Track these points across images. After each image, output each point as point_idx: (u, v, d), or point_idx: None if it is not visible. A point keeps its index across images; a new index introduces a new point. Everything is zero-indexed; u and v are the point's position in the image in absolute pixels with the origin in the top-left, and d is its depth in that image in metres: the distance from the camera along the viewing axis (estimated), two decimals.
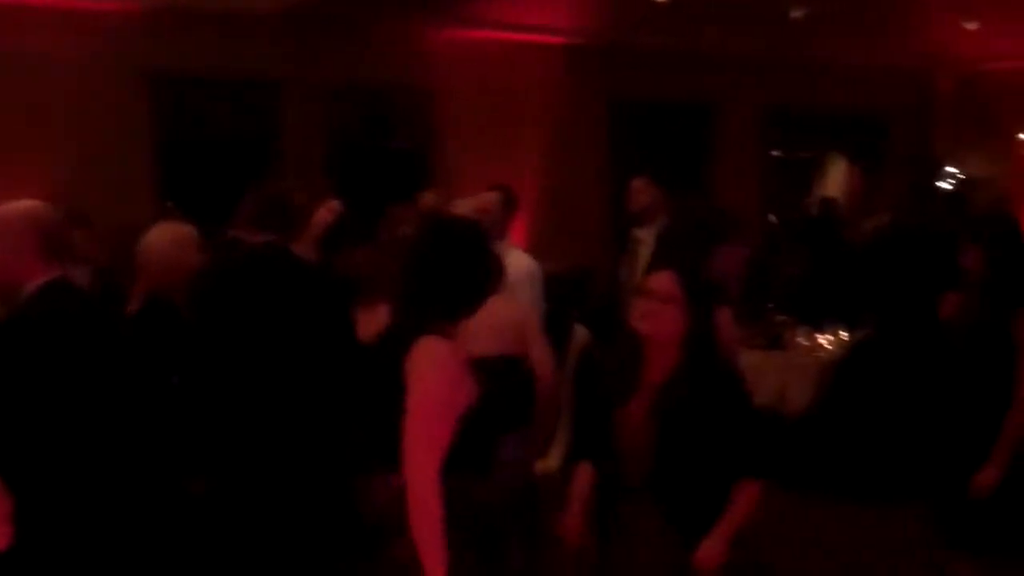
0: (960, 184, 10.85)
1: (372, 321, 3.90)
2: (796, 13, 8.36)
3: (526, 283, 5.74)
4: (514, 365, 3.83)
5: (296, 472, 3.80)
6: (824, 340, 7.40)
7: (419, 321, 2.94)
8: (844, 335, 7.32)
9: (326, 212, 5.24)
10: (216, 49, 8.01)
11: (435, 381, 2.87)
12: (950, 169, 11.06)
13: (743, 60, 10.04)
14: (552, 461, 5.38)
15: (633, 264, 6.66)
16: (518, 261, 5.92)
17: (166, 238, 4.25)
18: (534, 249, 7.10)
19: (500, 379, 3.53)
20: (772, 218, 11.06)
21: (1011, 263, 4.31)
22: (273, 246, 3.99)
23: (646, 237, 6.69)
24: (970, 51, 10.57)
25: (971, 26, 9.20)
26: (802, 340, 7.38)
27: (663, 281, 3.24)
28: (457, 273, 3.00)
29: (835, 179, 11.39)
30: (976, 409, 4.27)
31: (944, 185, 10.90)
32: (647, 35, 9.35)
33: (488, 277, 3.09)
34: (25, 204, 3.35)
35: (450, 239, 3.09)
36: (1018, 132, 11.15)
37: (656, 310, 3.19)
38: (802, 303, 7.96)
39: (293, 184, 3.54)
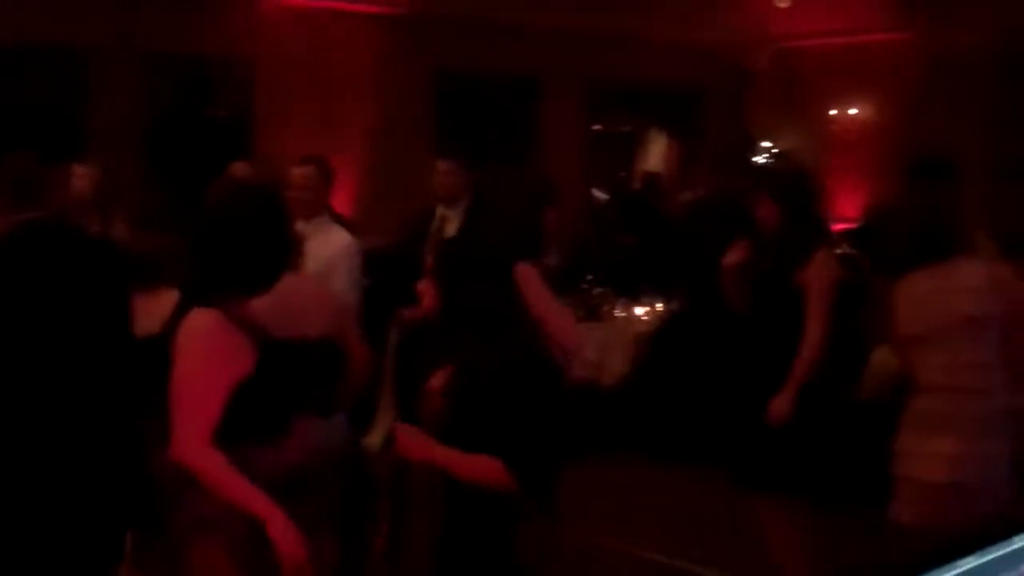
0: (774, 158, 11.20)
1: (152, 309, 3.67)
2: None
3: (344, 259, 5.68)
4: (326, 347, 3.79)
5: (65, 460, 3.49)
6: (641, 311, 7.60)
7: (203, 294, 2.88)
8: (660, 306, 7.53)
9: (78, 180, 5.01)
10: (24, 14, 7.66)
11: (197, 352, 2.82)
12: (765, 144, 11.41)
13: (567, 34, 10.14)
14: (375, 438, 5.37)
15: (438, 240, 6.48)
16: (336, 237, 5.85)
17: None
18: (359, 224, 7.06)
19: (311, 361, 3.49)
20: (597, 192, 11.23)
21: (801, 215, 4.64)
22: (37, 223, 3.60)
23: (451, 215, 6.42)
24: (782, 28, 10.94)
25: (783, 3, 9.52)
26: (619, 312, 7.56)
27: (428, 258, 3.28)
28: (244, 244, 2.93)
29: (655, 153, 11.63)
30: (766, 353, 4.61)
31: (759, 159, 11.24)
32: (472, 6, 9.36)
33: (279, 250, 3.03)
34: None
35: (238, 208, 3.03)
36: (830, 107, 11.60)
37: (423, 287, 3.25)
38: (620, 275, 8.13)
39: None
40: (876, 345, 6.39)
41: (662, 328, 7.17)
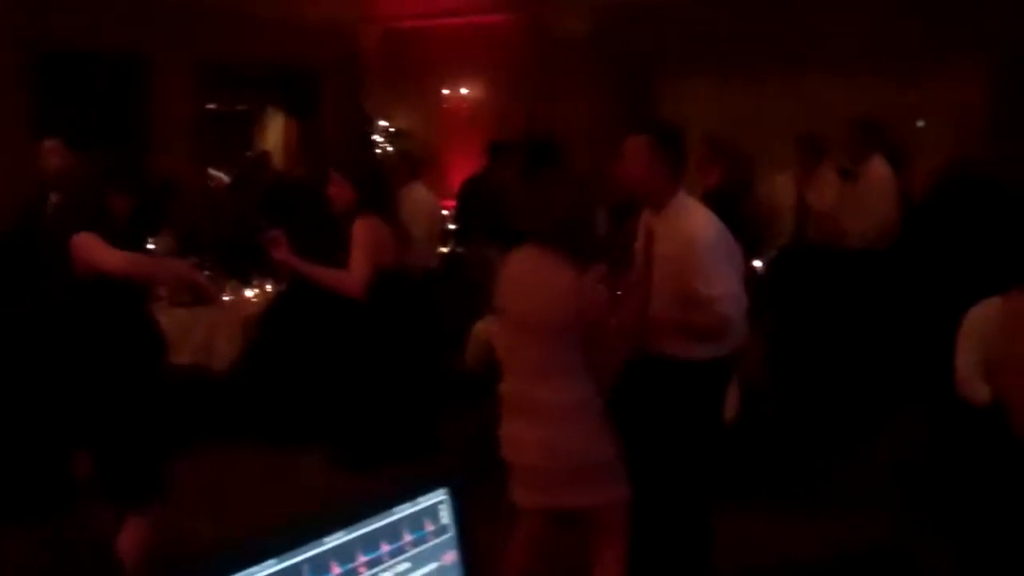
0: (391, 136, 11.39)
1: None
2: None
3: None
4: None
5: None
6: (251, 294, 7.52)
7: None
8: (269, 288, 7.47)
9: None
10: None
11: None
12: (382, 123, 11.57)
13: (176, 11, 9.81)
14: None
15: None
16: None
17: None
18: None
19: None
20: (215, 172, 10.99)
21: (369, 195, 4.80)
22: None
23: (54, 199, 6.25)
24: (392, 8, 11.10)
25: None
26: (228, 295, 7.44)
27: None
28: None
29: (273, 132, 11.55)
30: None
31: (378, 138, 11.40)
32: None
33: None
34: None
35: None
36: (441, 87, 11.90)
37: None
38: (231, 257, 8.00)
39: None
40: (478, 317, 6.70)
41: (269, 310, 7.12)
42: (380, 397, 4.81)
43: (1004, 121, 9.18)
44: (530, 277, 3.85)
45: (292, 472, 5.88)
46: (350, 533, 1.22)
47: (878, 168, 7.26)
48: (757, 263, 8.19)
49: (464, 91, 11.80)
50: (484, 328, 6.46)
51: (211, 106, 11.12)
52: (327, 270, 4.78)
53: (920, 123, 10.18)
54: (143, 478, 4.25)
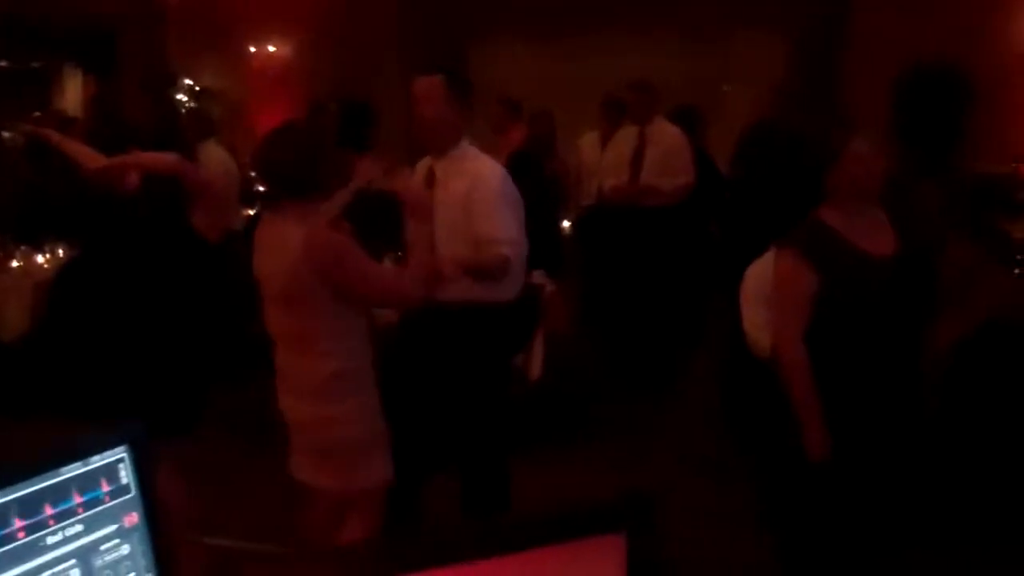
0: (196, 95, 11.04)
1: None
2: None
3: None
4: None
5: None
6: (42, 259, 7.20)
7: None
8: (61, 253, 7.17)
9: None
10: None
11: None
12: (187, 81, 11.20)
13: None
14: None
15: None
16: None
17: None
18: None
19: None
20: (7, 133, 10.46)
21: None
22: None
23: None
24: None
25: None
26: (17, 261, 7.11)
27: None
28: None
29: (71, 91, 11.07)
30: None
31: (182, 97, 11.04)
32: None
33: None
34: None
35: None
36: (249, 44, 11.59)
37: None
38: (21, 222, 7.64)
39: None
40: None
41: (59, 275, 6.82)
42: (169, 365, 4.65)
43: (802, 87, 9.53)
44: (268, 241, 3.62)
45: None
46: (6, 495, 1.14)
47: (662, 127, 7.43)
48: (565, 223, 8.29)
49: (272, 48, 11.53)
50: None
51: (2, 63, 10.56)
52: None
53: (726, 87, 10.51)
54: None
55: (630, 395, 6.82)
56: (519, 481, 4.40)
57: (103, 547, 1.23)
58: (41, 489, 1.18)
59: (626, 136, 7.53)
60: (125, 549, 1.26)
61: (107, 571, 1.23)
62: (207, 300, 4.91)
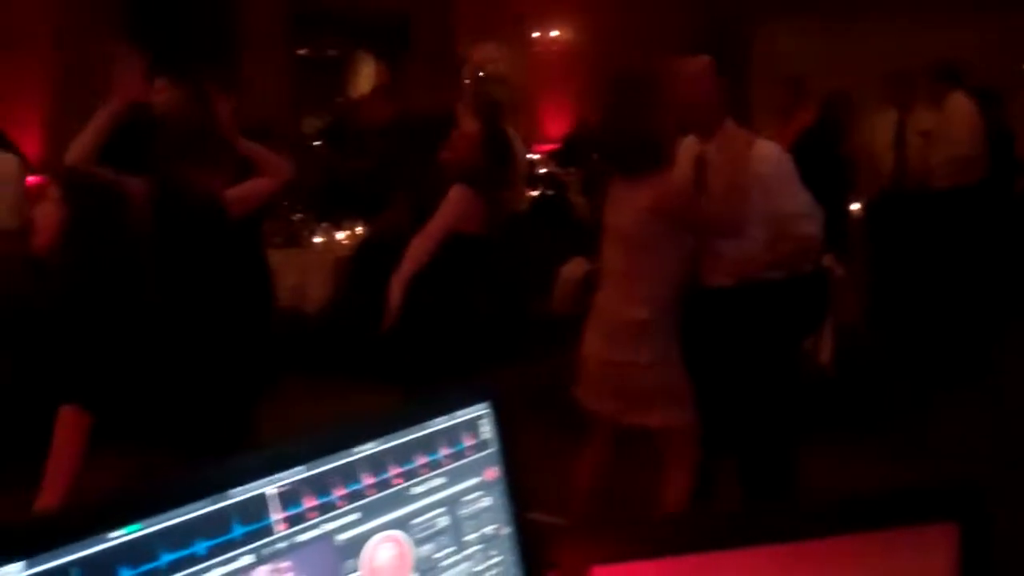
0: (482, 81, 11.30)
1: None
2: None
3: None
4: None
5: None
6: (342, 236, 7.58)
7: None
8: (360, 231, 7.52)
9: None
10: None
11: None
12: (474, 67, 11.48)
13: None
14: None
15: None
16: None
17: None
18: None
19: None
20: (309, 118, 11.06)
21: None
22: None
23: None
24: None
25: None
26: (319, 237, 7.51)
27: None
28: None
29: (365, 77, 11.54)
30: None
31: (467, 82, 11.32)
32: None
33: None
34: None
35: None
36: (532, 30, 11.78)
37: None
38: (323, 200, 8.07)
39: None
40: (567, 258, 6.65)
41: (359, 251, 7.16)
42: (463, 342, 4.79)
43: None
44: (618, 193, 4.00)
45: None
46: (382, 444, 1.19)
47: (957, 103, 7.13)
48: (855, 206, 8.00)
49: (555, 33, 11.66)
50: (570, 271, 6.42)
51: (302, 52, 11.14)
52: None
53: None
54: (234, 426, 4.26)
55: (924, 387, 6.51)
56: (802, 468, 4.29)
57: (465, 499, 1.27)
58: (413, 440, 1.22)
59: (926, 114, 7.31)
60: (486, 502, 1.29)
61: (471, 521, 1.26)
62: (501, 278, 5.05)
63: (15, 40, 8.62)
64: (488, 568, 1.28)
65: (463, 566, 1.26)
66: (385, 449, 1.19)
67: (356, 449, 1.16)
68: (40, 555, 0.91)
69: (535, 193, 8.68)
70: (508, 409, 1.31)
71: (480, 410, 1.30)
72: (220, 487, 1.05)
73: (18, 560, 0.90)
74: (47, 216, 4.46)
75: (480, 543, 1.28)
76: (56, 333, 3.88)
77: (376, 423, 1.19)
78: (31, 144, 7.77)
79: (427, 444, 1.24)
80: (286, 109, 10.33)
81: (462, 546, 1.26)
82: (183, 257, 4.02)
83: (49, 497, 3.78)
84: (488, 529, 1.29)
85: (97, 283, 3.51)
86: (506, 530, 1.30)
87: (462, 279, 4.76)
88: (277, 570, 1.08)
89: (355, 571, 1.15)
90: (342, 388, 6.44)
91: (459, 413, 1.27)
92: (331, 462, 1.14)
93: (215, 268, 4.09)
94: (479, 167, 4.76)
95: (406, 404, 1.21)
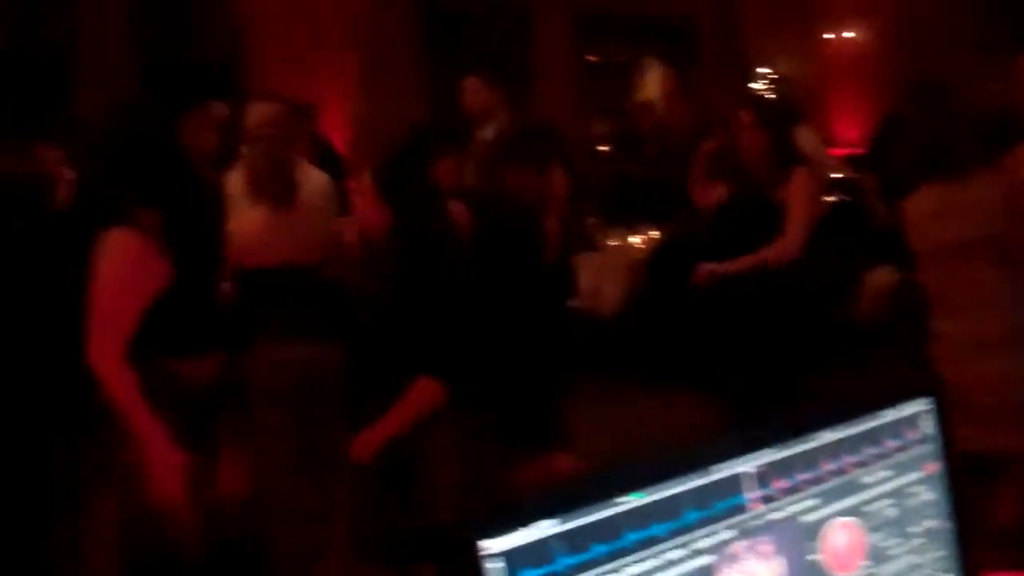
0: (772, 84, 11.15)
1: None
2: None
3: (322, 199, 5.79)
4: (299, 274, 3.95)
5: None
6: (636, 240, 7.65)
7: (104, 209, 3.01)
8: (654, 234, 7.57)
9: None
10: None
11: (116, 269, 2.98)
12: (762, 70, 11.34)
13: None
14: None
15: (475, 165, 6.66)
16: (315, 177, 5.93)
17: None
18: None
19: (279, 288, 3.67)
20: (597, 123, 11.20)
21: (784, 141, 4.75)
22: None
23: (486, 137, 6.51)
24: None
25: None
26: (614, 241, 7.62)
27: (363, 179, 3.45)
28: (138, 160, 3.09)
29: (652, 83, 11.57)
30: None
31: (756, 86, 11.20)
32: None
33: (171, 166, 3.12)
34: None
35: (132, 128, 3.14)
36: (825, 31, 11.52)
37: (358, 203, 3.42)
38: (615, 204, 8.16)
39: None
40: (872, 266, 6.48)
41: (655, 255, 7.21)
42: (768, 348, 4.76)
43: None
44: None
45: (668, 414, 5.92)
46: (837, 433, 1.22)
47: None
48: None
49: (848, 34, 11.36)
50: (878, 279, 6.27)
51: (591, 58, 11.31)
52: (756, 257, 4.69)
53: None
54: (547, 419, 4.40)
55: None
56: None
57: (909, 491, 1.28)
58: (863, 431, 1.25)
59: None
60: (928, 495, 1.30)
61: (915, 514, 1.28)
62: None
63: (321, 42, 9.18)
64: (930, 562, 1.29)
65: (908, 558, 1.27)
66: (841, 438, 1.22)
67: (815, 436, 1.20)
68: (568, 513, 1.00)
69: (831, 199, 8.49)
70: (947, 405, 1.32)
71: (922, 405, 1.31)
72: (704, 463, 1.11)
73: (553, 517, 0.98)
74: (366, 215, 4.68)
75: (923, 536, 1.29)
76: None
77: (834, 411, 1.23)
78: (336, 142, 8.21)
79: (875, 435, 1.26)
80: (574, 114, 10.52)
81: (907, 537, 1.28)
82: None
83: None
84: (931, 523, 1.30)
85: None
86: (946, 525, 1.31)
87: (777, 288, 4.72)
88: (754, 545, 1.13)
89: (815, 553, 1.19)
90: (633, 390, 6.51)
91: (903, 407, 1.29)
92: (796, 447, 1.18)
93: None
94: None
95: (854, 396, 1.22)
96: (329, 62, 9.13)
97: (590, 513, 1.01)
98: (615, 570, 1.02)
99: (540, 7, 10.55)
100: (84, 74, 8.14)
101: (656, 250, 7.26)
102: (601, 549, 1.01)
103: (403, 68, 9.78)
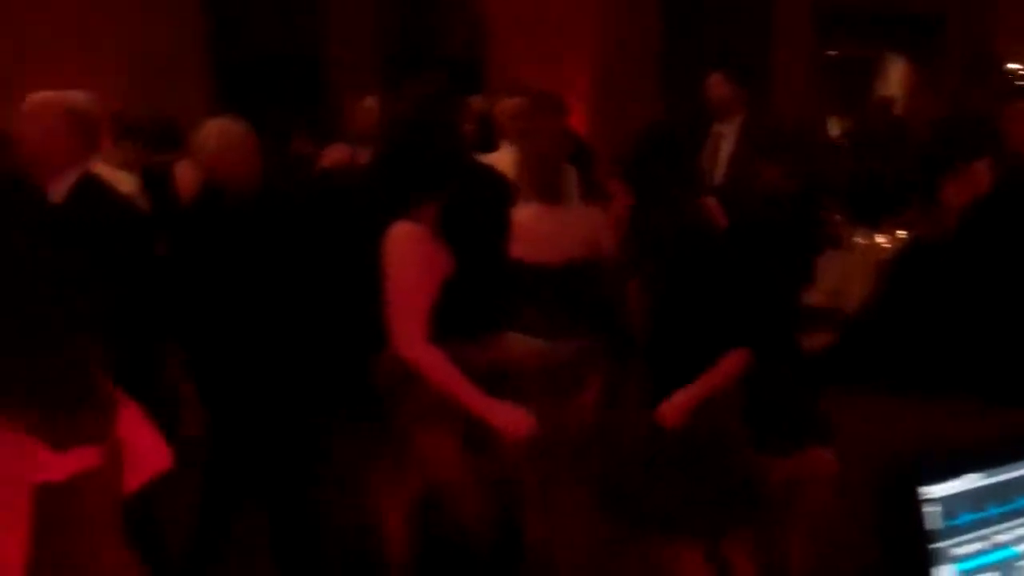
0: (1020, 80, 10.68)
1: None
2: None
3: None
4: (577, 271, 4.04)
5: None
6: (882, 239, 7.45)
7: (391, 203, 3.17)
8: (901, 233, 7.36)
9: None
10: None
11: (409, 259, 3.14)
12: (1012, 66, 10.87)
13: None
14: None
15: (714, 158, 6.70)
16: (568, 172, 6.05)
17: (221, 125, 4.14)
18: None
19: (560, 286, 3.78)
20: (836, 119, 11.00)
21: None
22: None
23: (726, 132, 6.69)
24: None
25: None
26: (860, 239, 7.44)
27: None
28: (420, 155, 3.22)
29: (894, 78, 11.29)
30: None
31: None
32: None
33: (449, 163, 3.25)
34: (65, 92, 3.51)
35: (418, 123, 3.30)
36: None
37: (616, 198, 3.45)
38: (858, 203, 7.98)
39: None
40: None
41: (902, 255, 7.00)
42: None
43: None
44: None
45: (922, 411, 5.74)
46: None
47: None
48: None
49: None
50: None
51: (831, 52, 11.09)
52: None
53: None
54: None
55: None
56: None
57: None
58: None
59: None
60: None
61: None
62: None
63: (562, 39, 9.30)
64: None
65: None
66: None
67: None
68: (994, 468, 1.02)
69: None
70: None
71: None
72: None
73: (980, 471, 1.01)
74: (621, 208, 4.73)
75: None
76: None
77: None
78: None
79: None
80: (813, 109, 10.34)
81: None
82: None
83: None
84: None
85: None
86: None
87: None
88: None
89: None
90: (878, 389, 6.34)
91: None
92: None
93: None
94: None
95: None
96: (569, 60, 9.24)
97: (1015, 469, 1.03)
98: None
99: (781, 1, 10.40)
100: (333, 75, 8.51)
101: (901, 250, 7.06)
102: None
103: (642, 65, 9.81)
